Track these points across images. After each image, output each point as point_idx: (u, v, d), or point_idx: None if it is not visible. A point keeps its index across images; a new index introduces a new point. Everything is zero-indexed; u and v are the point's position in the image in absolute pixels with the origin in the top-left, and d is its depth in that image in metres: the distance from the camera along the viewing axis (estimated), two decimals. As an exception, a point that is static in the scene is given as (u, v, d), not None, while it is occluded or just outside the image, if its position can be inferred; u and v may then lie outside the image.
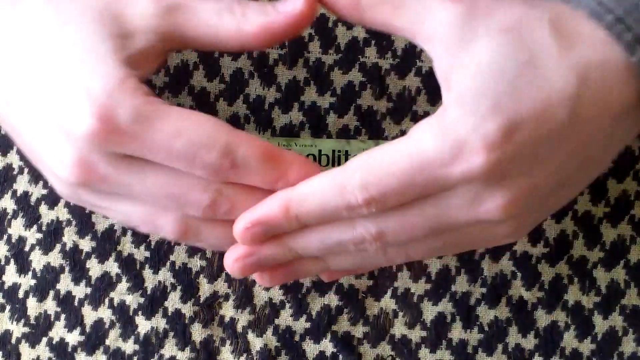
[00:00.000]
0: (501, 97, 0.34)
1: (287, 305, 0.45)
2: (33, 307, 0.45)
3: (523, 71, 0.35)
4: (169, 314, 0.45)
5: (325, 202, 0.36)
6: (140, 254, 0.45)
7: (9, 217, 0.46)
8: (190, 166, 0.35)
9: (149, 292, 0.45)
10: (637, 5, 0.36)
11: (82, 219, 0.45)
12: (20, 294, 0.45)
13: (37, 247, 0.45)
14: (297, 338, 0.45)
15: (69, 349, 0.45)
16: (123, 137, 0.34)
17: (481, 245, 0.40)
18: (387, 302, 0.45)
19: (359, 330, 0.45)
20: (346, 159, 0.42)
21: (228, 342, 0.45)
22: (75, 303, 0.45)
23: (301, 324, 0.45)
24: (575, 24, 0.36)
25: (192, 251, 0.45)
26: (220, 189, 0.36)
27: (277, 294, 0.45)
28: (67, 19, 0.36)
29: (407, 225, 0.36)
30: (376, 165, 0.35)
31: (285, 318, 0.45)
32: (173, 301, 0.45)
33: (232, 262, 0.38)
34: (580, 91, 0.35)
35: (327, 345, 0.45)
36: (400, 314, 0.45)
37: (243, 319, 0.45)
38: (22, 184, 0.46)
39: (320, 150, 0.42)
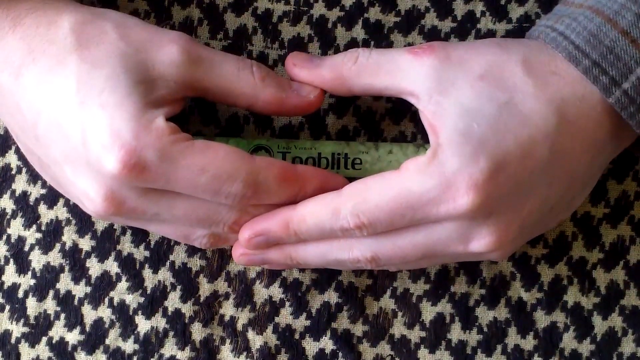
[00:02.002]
0: (485, 139, 0.37)
1: (287, 303, 0.46)
2: (33, 306, 0.46)
3: (503, 112, 0.38)
4: (169, 314, 0.46)
5: (321, 223, 0.40)
6: (140, 253, 0.46)
7: (8, 217, 0.47)
8: (215, 197, 0.38)
9: (148, 292, 0.46)
10: (612, 49, 0.38)
11: (82, 217, 0.46)
12: (20, 294, 0.46)
13: (37, 247, 0.46)
14: (297, 336, 0.46)
15: (69, 348, 0.46)
16: (150, 176, 0.37)
17: (466, 260, 0.43)
18: (387, 302, 0.47)
19: (358, 329, 0.47)
20: (345, 162, 0.43)
21: (228, 340, 0.46)
22: (75, 302, 0.46)
23: (301, 322, 0.46)
24: (548, 61, 0.39)
25: (192, 251, 0.46)
26: (244, 208, 0.40)
27: (277, 292, 0.46)
28: (95, 63, 0.38)
29: (400, 252, 0.40)
30: (368, 195, 0.39)
31: (285, 316, 0.46)
32: (173, 301, 0.46)
33: (239, 255, 0.42)
34: (559, 126, 0.38)
35: (327, 343, 0.46)
36: (400, 313, 0.47)
37: (243, 317, 0.46)
38: (20, 183, 0.47)
39: (319, 153, 0.43)
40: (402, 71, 0.40)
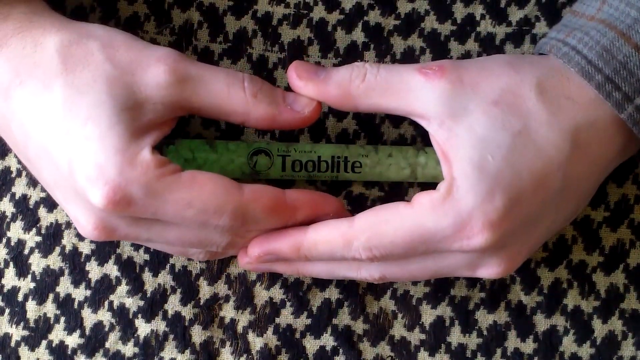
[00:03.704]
0: (499, 174, 0.37)
1: (288, 303, 0.47)
2: (32, 310, 0.47)
3: (517, 142, 0.38)
4: (169, 317, 0.47)
5: (332, 251, 0.40)
6: (140, 257, 0.47)
7: (7, 220, 0.47)
8: (204, 228, 0.39)
9: (148, 295, 0.47)
10: (625, 65, 0.38)
11: None
12: (20, 297, 0.47)
13: (37, 250, 0.47)
14: (297, 335, 0.47)
15: (69, 352, 0.47)
16: (137, 210, 0.37)
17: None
18: (387, 303, 0.47)
19: (359, 327, 0.47)
20: (345, 165, 0.44)
21: (228, 343, 0.47)
22: (75, 306, 0.47)
23: (302, 321, 0.47)
24: (562, 83, 0.39)
25: (192, 254, 0.47)
26: (235, 233, 0.40)
27: (277, 293, 0.47)
28: (81, 88, 0.38)
29: (407, 273, 0.41)
30: (381, 230, 0.39)
31: (285, 316, 0.47)
32: (173, 304, 0.47)
33: (245, 263, 0.42)
34: (571, 155, 0.38)
35: (327, 340, 0.47)
36: (400, 315, 0.47)
37: (243, 319, 0.47)
38: (20, 186, 0.47)
39: (319, 157, 0.44)
40: (412, 93, 0.39)
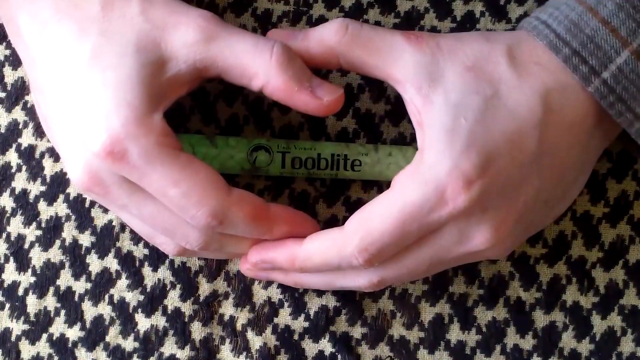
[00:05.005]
0: (472, 134, 0.38)
1: (286, 304, 0.47)
2: (33, 304, 0.47)
3: (489, 105, 0.38)
4: (169, 312, 0.47)
5: (327, 261, 0.40)
6: (139, 251, 0.47)
7: (7, 215, 0.48)
8: (181, 214, 0.39)
9: (148, 290, 0.47)
10: (592, 38, 0.39)
11: (82, 213, 0.47)
12: (20, 292, 0.47)
13: (37, 244, 0.47)
14: (296, 337, 0.47)
15: (69, 345, 0.47)
16: (125, 167, 0.38)
17: (467, 262, 0.44)
18: (385, 303, 0.48)
19: (357, 331, 0.47)
20: (345, 163, 0.44)
21: (227, 340, 0.47)
22: (76, 298, 0.47)
23: (300, 323, 0.47)
24: (530, 51, 0.40)
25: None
26: (211, 234, 0.41)
27: (275, 293, 0.48)
28: (112, 37, 0.38)
29: (405, 270, 0.41)
30: (371, 226, 0.39)
31: (284, 317, 0.47)
32: (172, 299, 0.47)
33: (245, 269, 0.43)
34: (545, 118, 0.39)
35: (325, 345, 0.47)
36: (398, 314, 0.48)
37: (242, 317, 0.47)
38: (20, 181, 0.48)
39: (319, 154, 0.44)
40: (394, 54, 0.40)
